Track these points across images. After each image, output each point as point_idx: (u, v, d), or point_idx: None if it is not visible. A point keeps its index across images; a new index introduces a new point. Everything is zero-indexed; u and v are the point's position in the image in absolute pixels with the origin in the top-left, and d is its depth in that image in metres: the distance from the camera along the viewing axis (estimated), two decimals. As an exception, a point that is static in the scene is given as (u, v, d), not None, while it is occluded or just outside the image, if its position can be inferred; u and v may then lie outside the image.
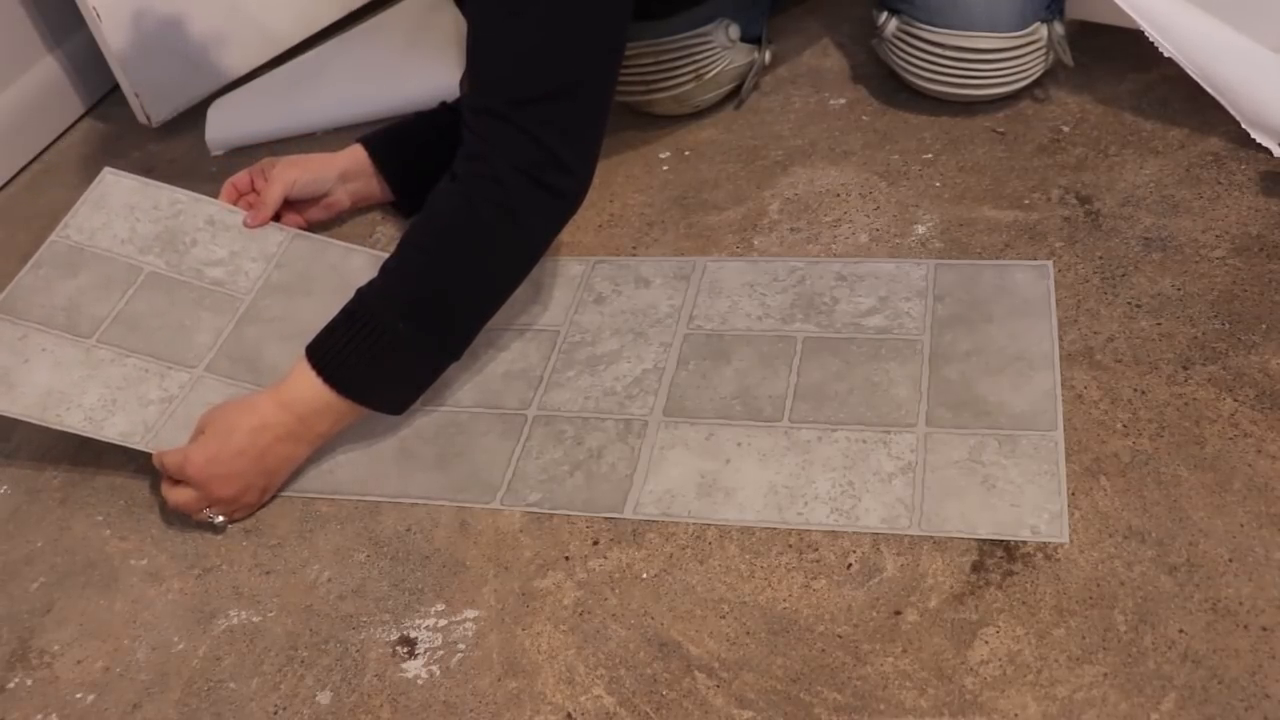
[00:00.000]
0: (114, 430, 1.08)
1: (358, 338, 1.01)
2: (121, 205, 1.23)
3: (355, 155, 1.29)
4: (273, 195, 1.26)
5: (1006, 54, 1.27)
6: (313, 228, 1.31)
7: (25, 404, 1.09)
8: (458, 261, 1.02)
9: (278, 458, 1.03)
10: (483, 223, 1.02)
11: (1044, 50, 1.29)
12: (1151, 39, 1.18)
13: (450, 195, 1.03)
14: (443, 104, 1.30)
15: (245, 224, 1.25)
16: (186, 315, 1.18)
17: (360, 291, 1.03)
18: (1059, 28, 1.29)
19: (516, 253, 1.06)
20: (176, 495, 1.03)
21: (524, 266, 1.07)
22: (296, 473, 1.07)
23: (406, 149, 1.29)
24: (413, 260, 1.03)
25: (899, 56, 1.33)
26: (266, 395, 1.03)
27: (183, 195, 1.26)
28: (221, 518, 1.03)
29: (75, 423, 1.08)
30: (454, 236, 1.02)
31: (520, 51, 1.00)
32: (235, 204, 1.28)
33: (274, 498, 1.06)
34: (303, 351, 1.03)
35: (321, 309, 1.17)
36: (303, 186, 1.27)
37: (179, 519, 1.06)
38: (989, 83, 1.30)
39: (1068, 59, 1.30)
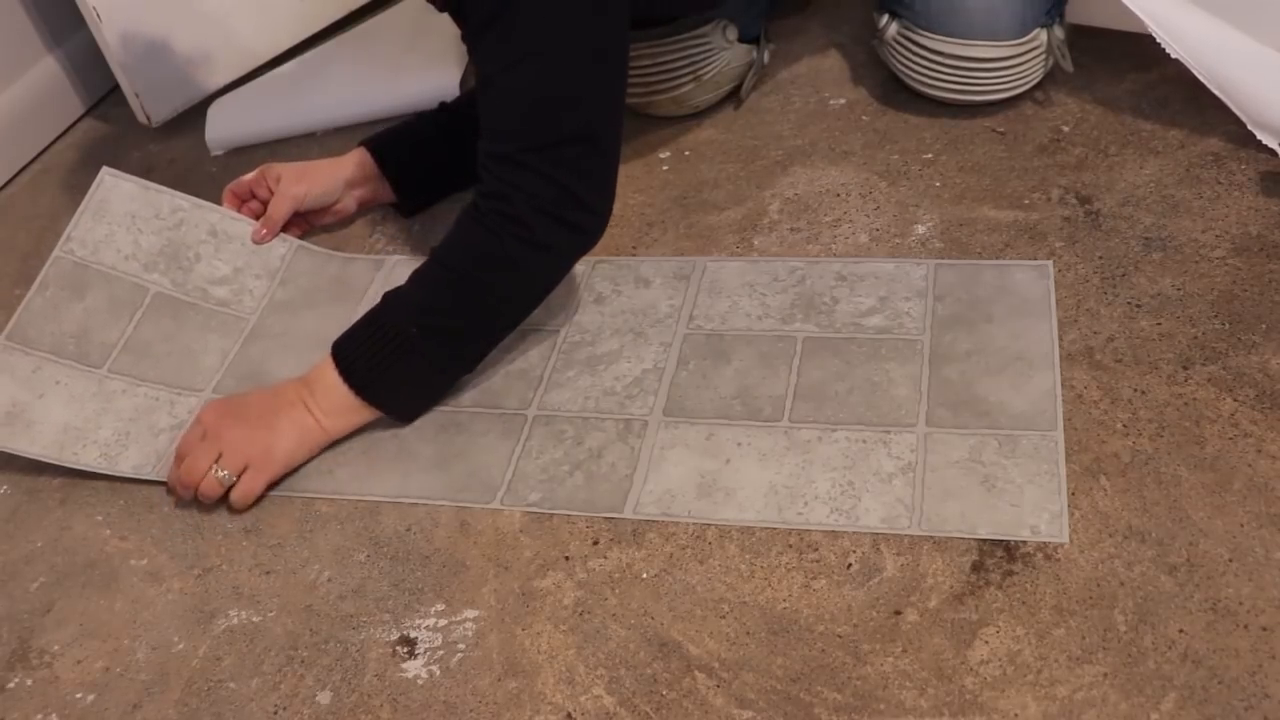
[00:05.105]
0: (127, 464, 1.10)
1: (374, 338, 1.05)
2: (123, 213, 1.23)
3: (360, 161, 1.29)
4: (281, 212, 1.27)
5: (1007, 62, 1.27)
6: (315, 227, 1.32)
7: (43, 443, 1.10)
8: (480, 286, 1.05)
9: (287, 419, 1.06)
10: (510, 256, 1.04)
11: (1044, 56, 1.29)
12: (1159, 40, 1.18)
13: (479, 224, 1.05)
14: (441, 104, 1.30)
15: (253, 240, 1.26)
16: (194, 339, 1.20)
17: (386, 295, 1.07)
18: (1059, 32, 1.29)
19: (538, 282, 1.09)
20: (189, 460, 1.04)
21: (543, 293, 1.10)
22: (296, 472, 1.07)
23: (410, 151, 1.30)
24: (438, 276, 1.06)
25: (899, 60, 1.33)
26: (292, 378, 1.09)
27: (184, 202, 1.26)
28: (226, 472, 1.03)
29: (91, 460, 1.10)
30: (480, 262, 1.05)
31: (530, 99, 1.02)
32: (238, 210, 1.28)
33: (275, 486, 1.06)
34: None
35: (324, 319, 1.19)
36: (312, 200, 1.29)
37: (179, 519, 1.06)
38: (989, 89, 1.30)
39: (1067, 65, 1.29)
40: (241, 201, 1.29)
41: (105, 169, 1.24)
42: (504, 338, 1.10)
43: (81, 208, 1.22)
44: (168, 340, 1.19)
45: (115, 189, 1.24)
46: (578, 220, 1.06)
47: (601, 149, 1.05)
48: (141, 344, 1.18)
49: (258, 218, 1.28)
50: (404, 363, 1.05)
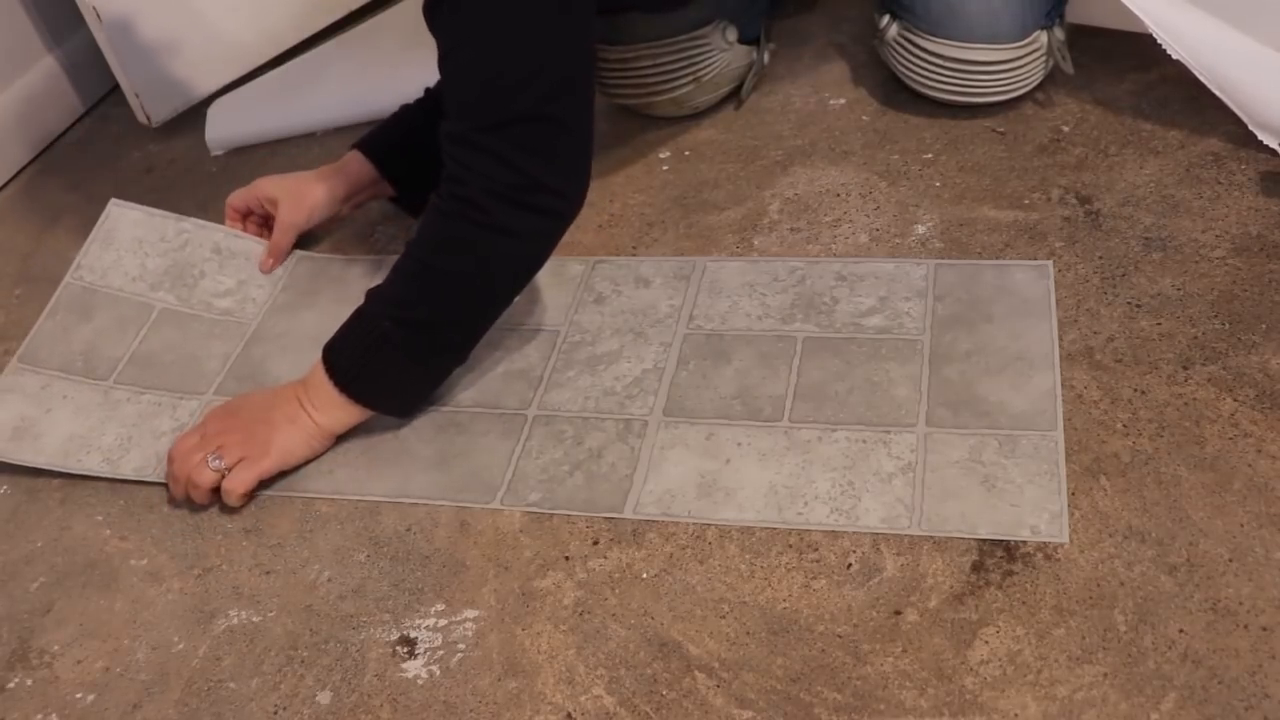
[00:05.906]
0: (129, 467, 1.10)
1: (355, 334, 1.05)
2: (129, 239, 1.26)
3: (356, 168, 1.27)
4: (285, 243, 1.28)
5: (1007, 65, 1.27)
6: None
7: (49, 453, 1.12)
8: (442, 274, 1.03)
9: (283, 416, 1.06)
10: (466, 241, 1.02)
11: (1044, 58, 1.29)
12: (1160, 41, 1.17)
13: (437, 210, 1.03)
14: (427, 90, 1.29)
15: (260, 270, 1.27)
16: (198, 347, 1.21)
17: (368, 292, 1.06)
18: (1059, 34, 1.29)
19: (506, 268, 1.05)
20: (183, 454, 1.05)
21: (519, 279, 1.07)
22: (296, 472, 1.07)
23: (403, 147, 1.29)
24: (405, 267, 1.05)
25: (899, 62, 1.33)
26: (294, 379, 1.09)
27: (189, 224, 1.28)
28: (220, 461, 1.03)
29: (94, 465, 1.11)
30: (438, 250, 1.03)
31: (481, 75, 0.99)
32: (240, 225, 1.30)
33: (270, 484, 1.06)
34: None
35: (323, 319, 1.19)
36: (313, 224, 1.29)
37: (179, 519, 1.06)
38: (989, 91, 1.29)
39: (1068, 67, 1.29)
40: (243, 217, 1.30)
41: (113, 200, 1.28)
42: (487, 325, 1.07)
43: (90, 238, 1.26)
44: (172, 350, 1.20)
45: (122, 218, 1.27)
46: (543, 204, 1.01)
47: (564, 128, 1.00)
48: (147, 355, 1.20)
49: (258, 231, 1.30)
50: (381, 357, 1.03)
